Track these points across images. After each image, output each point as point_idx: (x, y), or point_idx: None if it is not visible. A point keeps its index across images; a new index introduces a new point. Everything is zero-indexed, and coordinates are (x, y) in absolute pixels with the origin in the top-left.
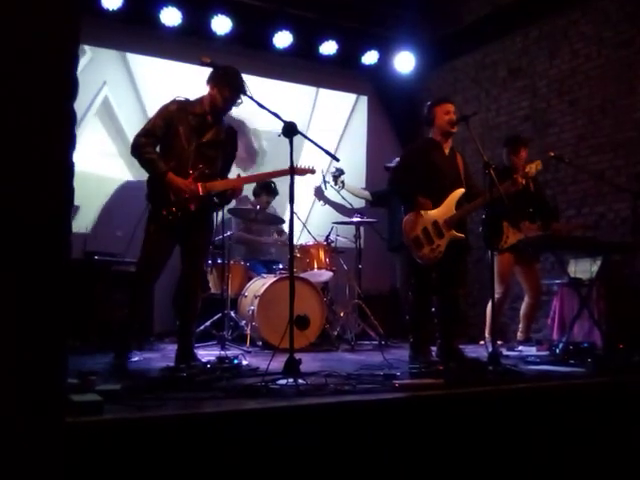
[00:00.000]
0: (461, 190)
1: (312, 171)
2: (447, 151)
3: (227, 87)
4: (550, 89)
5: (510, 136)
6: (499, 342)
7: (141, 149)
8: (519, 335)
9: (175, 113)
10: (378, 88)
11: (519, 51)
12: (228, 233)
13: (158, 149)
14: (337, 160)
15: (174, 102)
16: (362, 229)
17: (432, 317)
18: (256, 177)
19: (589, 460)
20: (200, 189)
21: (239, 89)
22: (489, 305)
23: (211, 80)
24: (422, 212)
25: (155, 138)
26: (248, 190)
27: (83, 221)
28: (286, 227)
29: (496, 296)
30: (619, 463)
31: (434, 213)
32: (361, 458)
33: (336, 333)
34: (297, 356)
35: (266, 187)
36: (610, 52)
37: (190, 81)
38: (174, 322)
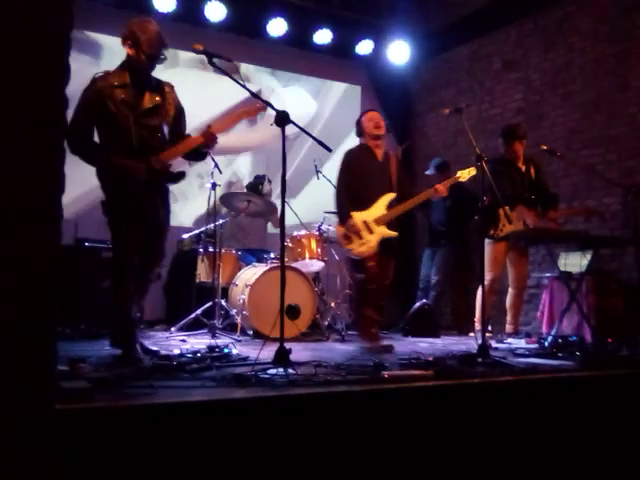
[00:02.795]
0: (391, 195)
1: (262, 108)
2: (380, 157)
3: (146, 42)
4: (543, 82)
5: (507, 127)
6: (488, 334)
7: (79, 142)
8: (508, 327)
9: (101, 90)
10: (372, 78)
11: (514, 43)
12: (220, 222)
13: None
14: (329, 150)
15: (95, 80)
16: None
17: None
18: (222, 124)
19: (577, 453)
20: (154, 164)
21: (160, 42)
22: (478, 296)
23: (127, 38)
24: (352, 213)
25: (89, 125)
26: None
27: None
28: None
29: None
30: (607, 456)
31: (364, 214)
32: (350, 449)
33: (327, 323)
34: (287, 346)
35: (254, 189)
36: (605, 46)
37: (183, 68)
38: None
